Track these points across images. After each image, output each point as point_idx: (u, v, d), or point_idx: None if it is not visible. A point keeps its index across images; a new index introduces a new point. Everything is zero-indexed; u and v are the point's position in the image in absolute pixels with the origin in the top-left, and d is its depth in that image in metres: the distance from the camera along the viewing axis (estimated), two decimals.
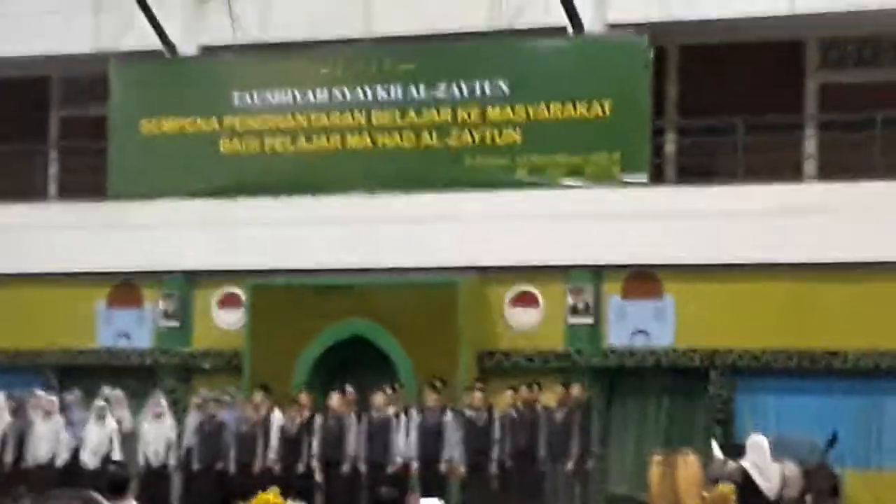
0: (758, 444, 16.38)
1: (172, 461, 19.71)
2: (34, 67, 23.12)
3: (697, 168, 20.67)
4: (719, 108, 20.47)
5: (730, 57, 20.64)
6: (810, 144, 20.41)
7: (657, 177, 20.40)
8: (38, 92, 23.70)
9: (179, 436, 19.81)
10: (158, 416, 19.79)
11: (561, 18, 20.10)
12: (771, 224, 19.11)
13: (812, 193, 19.52)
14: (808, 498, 17.44)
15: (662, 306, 19.96)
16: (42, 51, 22.54)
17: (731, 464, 16.82)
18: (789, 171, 20.10)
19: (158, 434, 19.74)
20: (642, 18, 20.19)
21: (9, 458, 20.04)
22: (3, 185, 22.93)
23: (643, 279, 20.00)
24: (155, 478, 19.33)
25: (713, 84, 20.85)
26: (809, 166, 20.30)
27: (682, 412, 20.02)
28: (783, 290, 19.16)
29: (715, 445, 18.03)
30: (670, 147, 20.92)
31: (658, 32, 20.24)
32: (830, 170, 19.95)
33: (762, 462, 16.53)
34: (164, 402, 20.04)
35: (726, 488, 16.66)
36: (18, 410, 20.29)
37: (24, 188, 23.15)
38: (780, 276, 19.12)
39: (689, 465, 18.00)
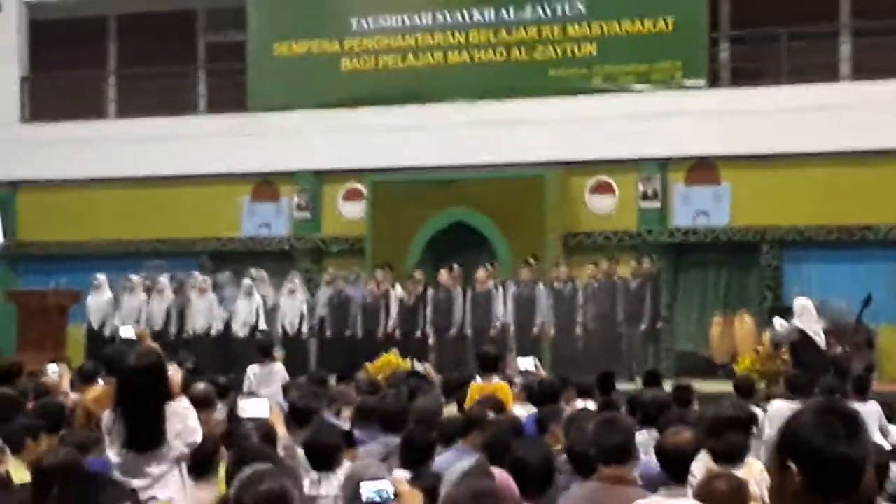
0: (805, 307, 16.49)
1: (305, 330, 20.42)
2: (182, 1, 23.99)
3: (748, 72, 21.25)
4: (766, 20, 21.03)
5: None
6: (845, 49, 20.86)
7: (714, 80, 21.16)
8: (187, 22, 24.20)
9: (312, 308, 20.49)
10: (292, 292, 20.49)
11: None
12: (812, 118, 19.72)
13: (846, 91, 20.10)
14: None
15: (720, 191, 20.77)
16: None
17: (788, 325, 16.73)
18: (827, 72, 20.66)
19: (293, 307, 20.47)
20: None
21: (172, 329, 20.87)
22: (161, 102, 23.64)
23: (703, 168, 20.85)
24: (293, 344, 19.89)
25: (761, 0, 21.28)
26: (844, 68, 20.79)
27: (737, 280, 20.88)
28: (823, 175, 19.86)
29: (776, 319, 17.94)
30: (724, 55, 21.67)
31: None
32: (862, 71, 20.50)
33: (810, 321, 16.49)
34: (297, 280, 20.68)
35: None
36: (179, 290, 21.11)
37: (179, 103, 23.82)
38: (819, 163, 19.85)
39: (744, 324, 19.31)
